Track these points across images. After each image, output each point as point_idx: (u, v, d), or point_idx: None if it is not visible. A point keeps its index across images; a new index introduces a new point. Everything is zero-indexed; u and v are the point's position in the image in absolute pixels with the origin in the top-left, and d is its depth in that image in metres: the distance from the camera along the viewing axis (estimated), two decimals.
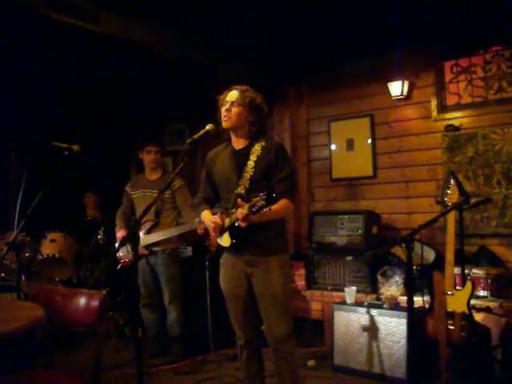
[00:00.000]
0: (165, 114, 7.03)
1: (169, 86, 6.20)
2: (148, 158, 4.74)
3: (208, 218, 3.16)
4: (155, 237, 4.55)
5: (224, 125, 3.08)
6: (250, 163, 3.03)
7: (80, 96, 6.00)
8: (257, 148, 3.06)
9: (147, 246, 4.57)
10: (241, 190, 3.01)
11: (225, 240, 3.03)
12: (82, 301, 2.53)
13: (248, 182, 3.00)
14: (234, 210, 2.91)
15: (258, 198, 2.67)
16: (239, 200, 2.82)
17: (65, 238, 5.27)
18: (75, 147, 3.49)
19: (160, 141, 5.01)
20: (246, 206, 2.74)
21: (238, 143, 3.14)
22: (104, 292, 2.50)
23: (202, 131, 2.94)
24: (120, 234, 4.71)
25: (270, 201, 2.68)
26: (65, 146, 3.48)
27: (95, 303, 2.46)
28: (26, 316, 2.28)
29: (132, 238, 2.81)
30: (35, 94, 5.54)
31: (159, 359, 4.55)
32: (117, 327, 5.38)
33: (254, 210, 2.69)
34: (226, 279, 3.19)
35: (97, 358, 2.42)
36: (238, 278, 3.12)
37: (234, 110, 3.04)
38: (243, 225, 2.82)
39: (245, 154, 3.08)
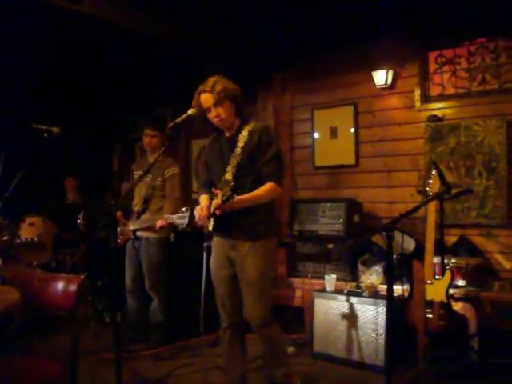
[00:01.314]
0: (149, 99, 6.96)
1: (153, 71, 6.14)
2: (144, 140, 4.72)
3: (202, 203, 3.21)
4: (138, 223, 4.51)
5: (221, 127, 3.17)
6: (237, 149, 3.08)
7: (62, 78, 5.91)
8: (244, 134, 3.11)
9: (133, 232, 4.53)
10: (228, 176, 3.04)
11: (210, 225, 3.08)
12: (60, 285, 2.50)
13: (235, 168, 3.04)
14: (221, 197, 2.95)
15: (227, 188, 2.84)
16: (213, 189, 2.96)
17: (44, 221, 5.22)
18: (55, 129, 3.43)
19: (159, 126, 4.88)
20: (220, 195, 2.87)
21: (229, 130, 3.19)
22: (82, 276, 2.45)
23: (183, 115, 2.92)
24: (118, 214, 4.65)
25: (234, 193, 2.82)
26: (44, 127, 3.41)
27: (73, 287, 2.43)
28: (1, 299, 2.25)
29: (110, 223, 2.78)
30: (15, 75, 5.43)
31: (139, 345, 4.52)
32: (96, 312, 5.35)
33: (223, 199, 2.81)
34: (214, 261, 3.26)
35: (74, 342, 2.40)
36: (222, 261, 3.21)
37: (219, 110, 3.08)
38: (217, 212, 2.91)
39: (233, 140, 3.13)
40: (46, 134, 3.43)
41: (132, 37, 4.65)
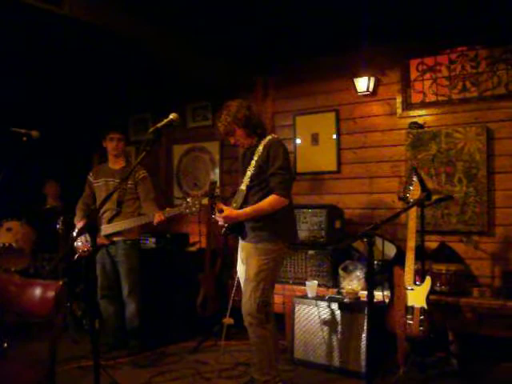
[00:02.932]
0: (129, 103, 6.92)
1: (133, 76, 6.09)
2: (110, 145, 4.66)
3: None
4: (115, 226, 4.47)
5: (244, 148, 3.58)
6: (253, 162, 3.41)
7: (42, 83, 5.84)
8: (260, 148, 3.42)
9: (107, 236, 4.49)
10: (243, 186, 3.44)
11: (222, 230, 3.54)
12: (38, 291, 2.45)
13: (249, 179, 3.41)
14: (234, 205, 3.46)
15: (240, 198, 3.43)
16: (217, 203, 3.35)
17: (22, 226, 5.15)
18: (34, 133, 3.37)
19: (123, 129, 4.92)
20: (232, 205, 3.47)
21: (248, 143, 3.54)
22: (61, 282, 2.41)
23: (165, 120, 2.90)
24: (79, 224, 4.61)
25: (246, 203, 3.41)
26: (23, 131, 3.36)
27: (51, 294, 2.39)
28: None
29: (90, 228, 2.74)
30: None
31: (117, 352, 4.47)
32: (74, 319, 5.27)
33: (209, 196, 3.36)
34: (238, 259, 3.68)
35: (52, 349, 2.35)
36: (240, 260, 3.64)
37: (231, 139, 3.51)
38: (218, 221, 3.42)
39: (251, 153, 3.48)
40: (24, 138, 3.37)
41: (112, 41, 4.60)
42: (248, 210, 3.36)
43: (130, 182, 4.57)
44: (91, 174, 4.83)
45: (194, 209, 4.02)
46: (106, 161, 4.84)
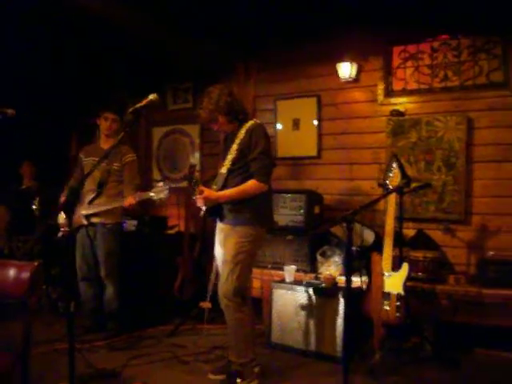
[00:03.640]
0: (109, 84, 6.80)
1: (112, 56, 5.98)
2: (104, 124, 4.58)
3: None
4: (92, 208, 4.39)
5: (225, 133, 3.63)
6: (234, 146, 3.42)
7: (18, 59, 5.69)
8: (242, 132, 3.43)
9: (86, 217, 4.41)
10: (223, 170, 3.45)
11: (201, 211, 3.52)
12: (12, 272, 2.42)
13: (230, 162, 3.42)
14: (214, 188, 3.47)
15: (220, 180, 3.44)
16: (199, 185, 3.37)
17: None
18: (10, 111, 3.28)
19: (120, 111, 4.79)
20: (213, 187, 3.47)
21: (231, 129, 3.55)
22: (36, 263, 2.37)
23: (144, 101, 2.86)
24: (62, 199, 4.51)
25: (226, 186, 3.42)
26: None
27: (26, 275, 2.36)
28: None
29: (65, 207, 2.70)
30: None
31: (94, 335, 4.43)
32: (50, 301, 5.22)
33: (191, 183, 3.39)
34: (215, 241, 3.69)
35: (26, 331, 2.32)
36: (217, 242, 3.65)
37: (218, 124, 3.48)
38: (198, 203, 3.41)
39: (232, 138, 3.48)
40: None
41: (93, 20, 4.51)
42: (227, 192, 3.38)
43: (116, 164, 4.49)
44: (82, 152, 4.75)
45: (161, 195, 3.95)
46: (99, 139, 4.77)
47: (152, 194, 3.99)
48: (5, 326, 4.20)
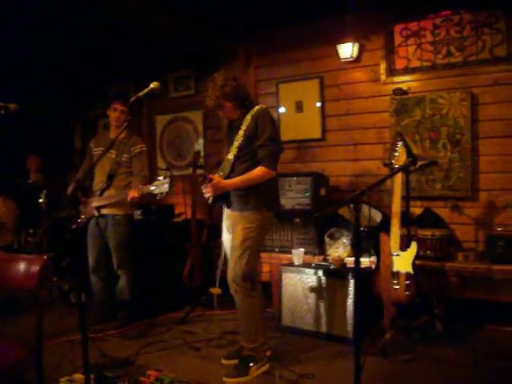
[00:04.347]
0: (111, 75, 6.78)
1: (114, 46, 5.95)
2: (113, 114, 4.56)
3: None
4: (101, 200, 4.40)
5: (230, 119, 3.58)
6: (240, 132, 3.40)
7: (21, 53, 5.68)
8: (247, 118, 3.40)
9: (97, 208, 4.42)
10: (230, 156, 3.43)
11: (210, 199, 3.50)
12: (23, 266, 2.42)
13: (236, 149, 3.40)
14: (220, 174, 3.45)
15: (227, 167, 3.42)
16: (208, 174, 3.39)
17: (4, 202, 5.07)
18: (12, 106, 3.27)
19: (127, 101, 4.75)
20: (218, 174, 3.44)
21: (237, 115, 3.51)
22: (45, 257, 2.38)
23: (146, 89, 2.84)
24: (69, 191, 4.50)
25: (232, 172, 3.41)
26: (0, 104, 3.27)
27: (36, 268, 2.36)
28: None
29: (71, 200, 2.71)
30: None
31: (106, 324, 4.46)
32: (62, 293, 5.26)
33: (200, 179, 3.43)
34: (223, 228, 3.70)
35: (38, 323, 2.34)
36: (226, 229, 3.66)
37: (220, 112, 3.49)
38: (207, 192, 3.40)
39: (238, 124, 3.45)
40: (2, 111, 3.28)
41: (92, 11, 4.48)
42: (236, 180, 3.38)
43: (125, 155, 4.47)
44: (93, 141, 4.76)
45: (162, 189, 3.76)
46: (108, 128, 4.77)
47: (152, 188, 3.85)
48: (18, 319, 4.26)
